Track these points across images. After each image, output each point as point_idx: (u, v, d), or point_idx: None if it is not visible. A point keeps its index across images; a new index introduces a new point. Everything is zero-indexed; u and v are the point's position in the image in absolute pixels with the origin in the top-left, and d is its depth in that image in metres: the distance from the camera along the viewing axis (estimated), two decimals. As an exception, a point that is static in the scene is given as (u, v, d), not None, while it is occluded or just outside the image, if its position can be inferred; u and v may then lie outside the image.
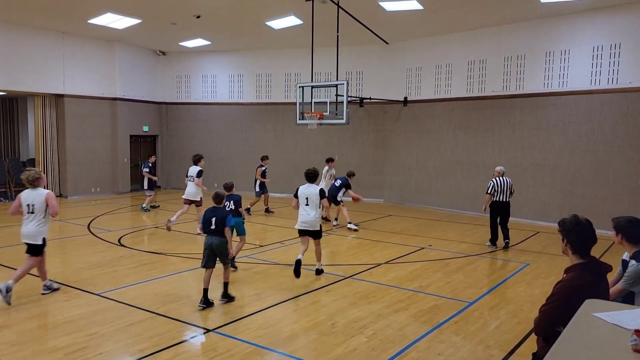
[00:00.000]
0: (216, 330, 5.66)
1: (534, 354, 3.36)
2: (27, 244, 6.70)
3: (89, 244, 10.11)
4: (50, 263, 8.88)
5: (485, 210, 10.38)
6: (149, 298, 6.75)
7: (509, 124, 13.90)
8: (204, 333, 5.64)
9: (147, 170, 14.47)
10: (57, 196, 15.83)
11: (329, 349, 5.22)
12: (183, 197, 11.39)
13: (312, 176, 7.95)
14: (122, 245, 9.98)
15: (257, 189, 13.95)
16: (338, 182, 12.33)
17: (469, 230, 12.28)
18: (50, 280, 7.05)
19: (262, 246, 10.14)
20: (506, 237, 10.32)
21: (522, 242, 10.96)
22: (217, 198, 6.77)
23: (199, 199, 11.18)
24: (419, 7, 12.30)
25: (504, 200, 10.13)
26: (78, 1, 12.75)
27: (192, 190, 11.17)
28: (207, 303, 6.39)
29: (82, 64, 16.77)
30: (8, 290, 6.36)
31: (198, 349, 5.37)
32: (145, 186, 14.51)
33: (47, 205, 6.61)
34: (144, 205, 14.39)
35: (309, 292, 7.20)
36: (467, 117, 14.79)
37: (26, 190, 6.68)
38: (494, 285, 7.74)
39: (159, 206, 15.15)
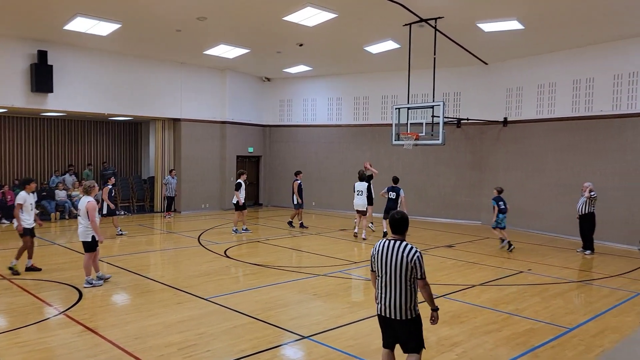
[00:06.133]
0: (311, 338, 6.03)
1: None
2: None
3: (199, 255, 11.07)
4: (166, 270, 9.92)
5: None
6: (251, 305, 7.32)
7: (619, 145, 13.00)
8: (299, 339, 6.03)
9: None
10: (172, 211, 17.33)
11: (417, 363, 5.33)
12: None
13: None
14: (227, 257, 10.82)
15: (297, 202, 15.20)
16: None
17: (573, 256, 11.61)
18: None
19: (355, 262, 10.45)
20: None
21: (633, 270, 10.17)
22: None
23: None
24: (519, 26, 12.07)
25: None
26: (198, 35, 14.15)
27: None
28: None
29: (197, 90, 18.46)
30: None
31: (294, 352, 5.77)
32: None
33: None
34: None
35: (400, 308, 7.33)
36: (572, 138, 14.05)
37: None
38: (598, 312, 7.32)
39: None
